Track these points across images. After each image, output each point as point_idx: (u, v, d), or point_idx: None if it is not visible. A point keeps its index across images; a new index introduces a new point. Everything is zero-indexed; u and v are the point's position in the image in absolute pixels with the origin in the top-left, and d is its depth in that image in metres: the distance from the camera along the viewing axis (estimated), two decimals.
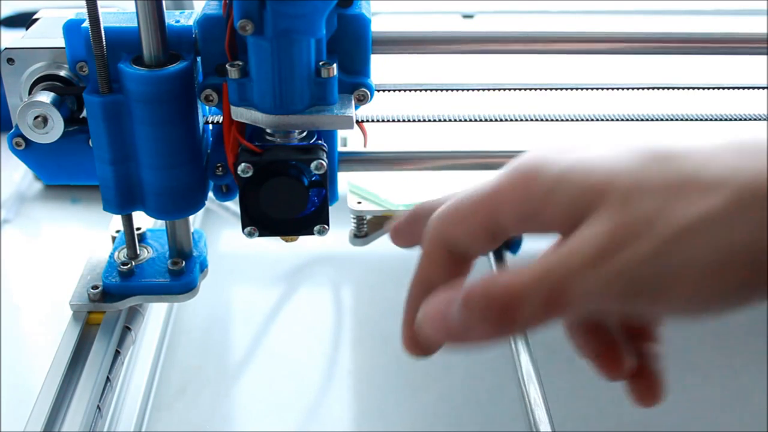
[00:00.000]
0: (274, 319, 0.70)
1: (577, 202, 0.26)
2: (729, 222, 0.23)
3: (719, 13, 0.85)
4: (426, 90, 0.47)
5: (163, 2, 0.40)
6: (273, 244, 0.47)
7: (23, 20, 0.59)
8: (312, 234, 0.44)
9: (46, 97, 0.41)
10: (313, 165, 0.41)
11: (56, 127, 0.42)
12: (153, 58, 0.40)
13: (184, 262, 0.48)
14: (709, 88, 0.50)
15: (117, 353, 0.47)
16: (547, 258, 0.26)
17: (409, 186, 0.56)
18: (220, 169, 0.45)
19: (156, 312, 0.65)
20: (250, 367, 0.66)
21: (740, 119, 0.50)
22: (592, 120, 0.49)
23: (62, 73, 0.43)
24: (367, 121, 0.48)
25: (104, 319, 0.48)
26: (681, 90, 0.50)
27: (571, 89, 0.48)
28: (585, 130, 0.50)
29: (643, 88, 0.49)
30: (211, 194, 0.47)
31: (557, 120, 0.48)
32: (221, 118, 0.44)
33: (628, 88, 0.49)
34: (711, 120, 0.50)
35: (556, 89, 0.48)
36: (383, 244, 0.60)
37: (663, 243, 0.24)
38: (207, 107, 0.43)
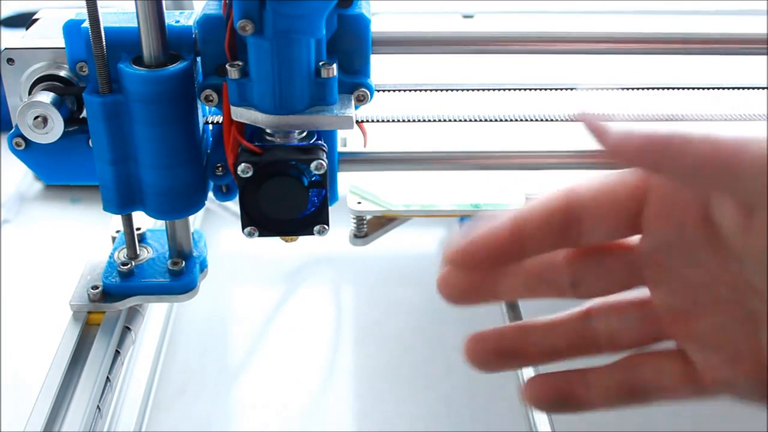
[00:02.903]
0: (274, 319, 0.70)
1: None
2: None
3: (719, 13, 0.85)
4: (426, 90, 0.47)
5: (163, 2, 0.40)
6: (273, 244, 0.47)
7: (23, 20, 0.59)
8: (312, 234, 0.44)
9: (46, 97, 0.41)
10: (313, 165, 0.41)
11: (56, 127, 0.42)
12: (153, 58, 0.40)
13: (184, 263, 0.48)
14: (709, 88, 0.50)
15: (117, 353, 0.47)
16: None
17: (409, 186, 0.56)
18: (220, 169, 0.45)
19: (156, 312, 0.65)
20: (250, 367, 0.66)
21: (740, 119, 0.50)
22: None
23: (62, 73, 0.43)
24: (367, 121, 0.48)
25: (104, 319, 0.48)
26: (681, 90, 0.50)
27: (571, 89, 0.48)
28: (585, 130, 0.50)
29: (643, 88, 0.49)
30: (211, 194, 0.47)
31: (557, 120, 0.48)
32: (221, 118, 0.44)
33: (627, 89, 0.49)
34: (711, 120, 0.50)
35: (556, 89, 0.48)
36: (383, 244, 0.60)
37: None
38: (207, 107, 0.43)
